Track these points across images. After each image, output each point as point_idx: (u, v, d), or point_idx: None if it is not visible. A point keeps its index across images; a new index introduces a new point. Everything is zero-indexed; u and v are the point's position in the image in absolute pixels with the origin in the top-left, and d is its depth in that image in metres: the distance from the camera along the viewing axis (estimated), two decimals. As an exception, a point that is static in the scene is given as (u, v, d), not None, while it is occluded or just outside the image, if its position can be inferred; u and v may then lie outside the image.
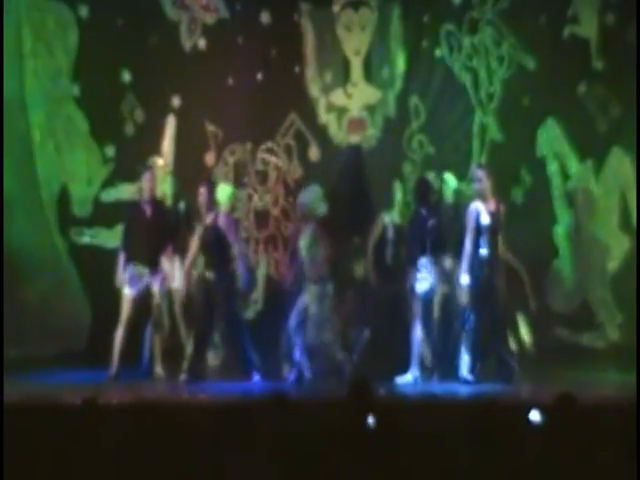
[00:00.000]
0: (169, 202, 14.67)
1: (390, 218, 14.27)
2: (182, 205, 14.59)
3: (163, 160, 15.24)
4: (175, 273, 14.21)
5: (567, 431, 7.64)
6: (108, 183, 15.36)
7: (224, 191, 13.89)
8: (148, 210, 13.58)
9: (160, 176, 14.76)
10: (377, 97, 15.53)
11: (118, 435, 7.77)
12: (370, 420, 8.14)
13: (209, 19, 15.47)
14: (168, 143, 15.50)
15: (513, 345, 14.10)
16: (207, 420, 9.05)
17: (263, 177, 15.69)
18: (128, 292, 13.29)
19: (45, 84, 15.51)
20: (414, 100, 15.36)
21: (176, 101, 15.38)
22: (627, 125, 14.85)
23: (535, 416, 8.54)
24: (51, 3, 15.39)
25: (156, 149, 15.24)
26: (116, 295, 14.24)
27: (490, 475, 6.74)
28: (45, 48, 15.43)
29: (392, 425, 7.98)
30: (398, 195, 14.32)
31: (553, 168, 15.18)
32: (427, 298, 14.01)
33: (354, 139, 15.47)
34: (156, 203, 13.70)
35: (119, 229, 14.67)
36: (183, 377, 13.48)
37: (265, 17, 15.36)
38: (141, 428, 7.92)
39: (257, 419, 8.05)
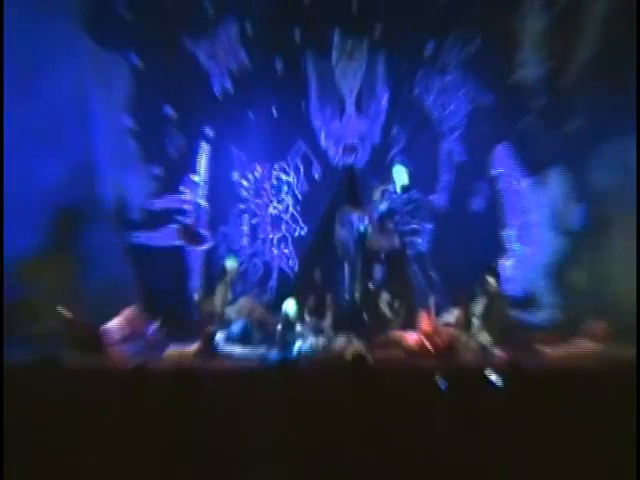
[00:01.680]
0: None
1: None
2: None
3: (198, 177, 15.59)
4: None
5: (515, 393, 8.25)
6: (155, 195, 15.46)
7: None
8: None
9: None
10: (366, 127, 15.68)
11: (162, 395, 7.91)
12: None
13: (234, 67, 15.49)
14: (203, 164, 15.68)
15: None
16: (228, 385, 9.53)
17: (277, 190, 15.89)
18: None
19: (103, 115, 15.39)
20: (395, 129, 15.60)
21: (209, 131, 15.51)
22: (562, 150, 15.25)
23: (492, 376, 8.73)
24: (108, 54, 15.25)
25: (194, 169, 15.62)
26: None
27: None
28: (103, 88, 15.30)
29: (383, 389, 8.24)
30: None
31: (505, 182, 15.53)
32: None
33: (348, 160, 15.66)
34: None
35: (167, 232, 15.56)
36: None
37: (279, 64, 15.39)
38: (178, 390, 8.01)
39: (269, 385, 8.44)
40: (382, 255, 15.34)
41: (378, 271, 15.31)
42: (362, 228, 15.40)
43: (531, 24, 15.24)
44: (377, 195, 15.59)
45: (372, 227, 15.49)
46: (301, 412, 7.67)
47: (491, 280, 14.31)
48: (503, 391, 8.49)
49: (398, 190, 15.67)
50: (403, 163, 15.66)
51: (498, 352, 13.05)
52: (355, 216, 15.49)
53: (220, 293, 14.44)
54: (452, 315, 14.25)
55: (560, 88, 15.25)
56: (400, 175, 15.63)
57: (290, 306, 13.79)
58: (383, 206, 15.63)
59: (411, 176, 15.65)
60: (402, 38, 15.33)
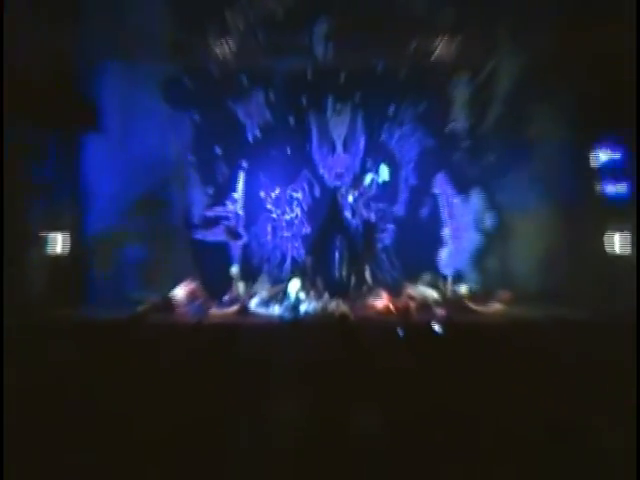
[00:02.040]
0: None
1: None
2: None
3: (237, 195, 15.45)
4: None
5: (450, 337, 9.10)
6: (208, 208, 15.40)
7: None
8: None
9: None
10: (349, 161, 15.57)
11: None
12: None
13: (261, 121, 15.28)
14: (241, 186, 15.46)
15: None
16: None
17: (290, 203, 15.62)
18: None
19: (175, 154, 15.16)
20: (369, 163, 15.58)
21: (244, 164, 15.39)
22: (480, 177, 15.42)
23: (436, 327, 9.66)
24: (177, 112, 15.06)
25: (235, 189, 15.42)
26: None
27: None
28: (175, 135, 15.08)
29: (360, 337, 8.90)
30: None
31: (443, 199, 15.63)
32: None
33: (337, 183, 15.57)
34: None
35: (216, 231, 15.26)
36: None
37: (291, 119, 15.32)
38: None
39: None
40: (361, 227, 15.24)
41: (359, 253, 15.09)
42: (352, 199, 15.36)
43: (459, 92, 15.35)
44: (368, 179, 15.42)
45: (359, 200, 15.40)
46: (304, 351, 8.07)
47: (464, 288, 14.67)
48: (442, 336, 9.31)
49: (380, 181, 15.51)
50: (388, 164, 15.58)
51: (440, 311, 13.36)
52: (350, 191, 15.43)
53: (237, 284, 14.67)
54: (416, 291, 14.27)
55: (479, 135, 15.40)
56: (384, 172, 15.52)
57: (294, 285, 13.84)
58: (369, 188, 15.49)
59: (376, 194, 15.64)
60: (374, 102, 15.41)
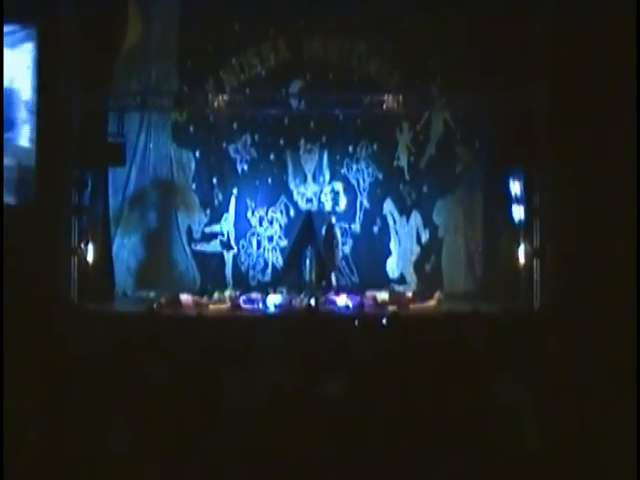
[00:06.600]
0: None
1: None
2: None
3: (229, 215, 15.57)
4: None
5: (395, 326, 9.09)
6: (207, 225, 15.44)
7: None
8: None
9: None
10: (317, 189, 15.68)
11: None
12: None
13: (248, 158, 15.34)
14: (232, 208, 15.50)
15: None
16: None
17: (270, 222, 15.54)
18: None
19: (180, 180, 15.36)
20: (333, 192, 15.63)
21: (235, 191, 15.50)
22: (417, 202, 15.73)
23: (384, 320, 9.87)
24: (183, 151, 15.36)
25: (228, 211, 15.45)
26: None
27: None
28: (181, 170, 15.33)
29: (323, 322, 9.41)
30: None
31: (390, 219, 15.78)
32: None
33: (307, 207, 15.59)
34: None
35: (213, 244, 15.47)
36: None
37: (272, 156, 15.58)
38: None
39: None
40: (327, 241, 14.74)
41: (325, 261, 14.68)
42: (319, 218, 15.27)
43: (402, 136, 15.66)
44: (331, 203, 15.58)
45: (325, 219, 15.24)
46: (283, 335, 8.00)
47: (407, 289, 15.07)
48: (389, 327, 9.39)
49: (341, 205, 15.64)
50: (348, 192, 15.64)
51: (388, 307, 13.39)
52: (318, 213, 15.52)
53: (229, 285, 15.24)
54: (369, 291, 14.23)
55: (417, 170, 15.75)
56: (344, 198, 15.62)
57: (273, 297, 13.90)
58: (333, 210, 15.57)
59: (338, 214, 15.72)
60: (336, 143, 15.74)
